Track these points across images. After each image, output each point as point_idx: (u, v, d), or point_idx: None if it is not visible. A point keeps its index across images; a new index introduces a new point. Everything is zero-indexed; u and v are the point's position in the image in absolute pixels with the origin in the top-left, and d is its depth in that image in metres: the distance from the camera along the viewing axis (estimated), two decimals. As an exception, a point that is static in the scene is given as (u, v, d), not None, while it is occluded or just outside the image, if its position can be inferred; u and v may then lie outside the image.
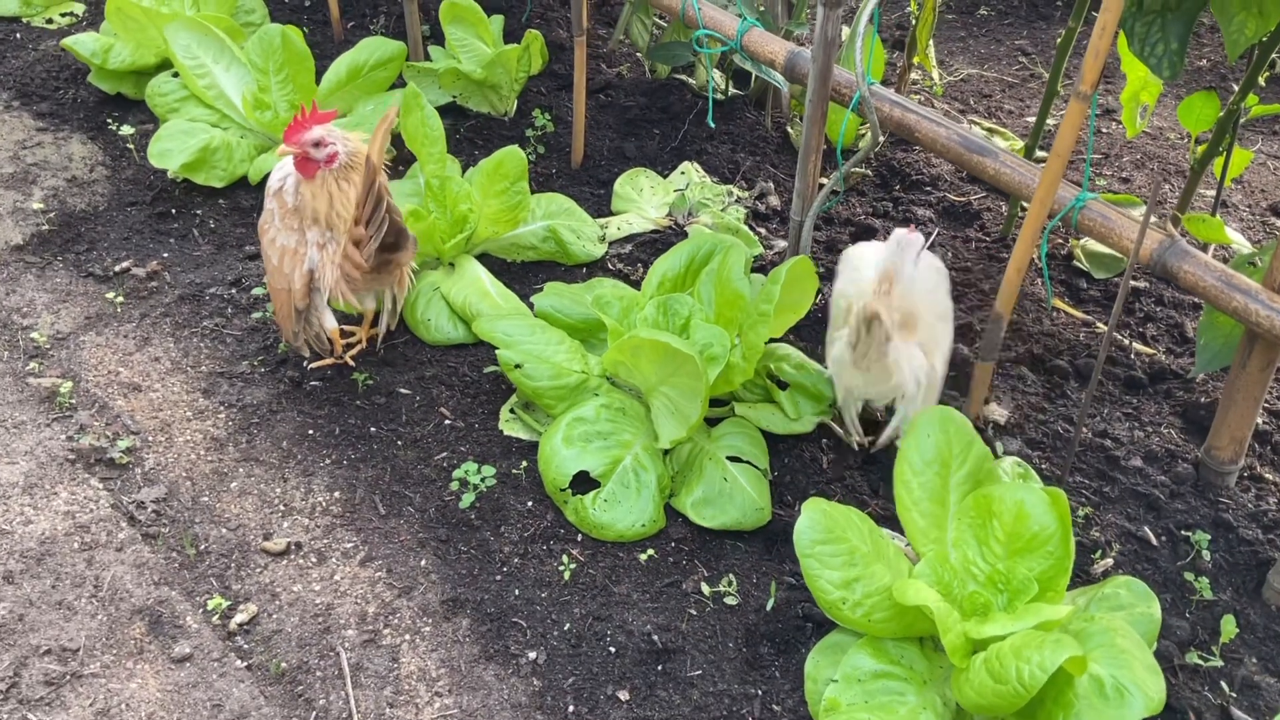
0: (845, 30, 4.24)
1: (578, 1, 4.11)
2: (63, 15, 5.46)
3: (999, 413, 3.35)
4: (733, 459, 3.09)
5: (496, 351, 3.20)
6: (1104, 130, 5.21)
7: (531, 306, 3.61)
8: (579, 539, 3.03)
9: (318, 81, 4.46)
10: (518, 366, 3.15)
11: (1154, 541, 3.04)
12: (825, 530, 2.55)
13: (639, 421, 3.16)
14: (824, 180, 4.40)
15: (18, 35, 5.27)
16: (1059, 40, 3.74)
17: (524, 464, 3.20)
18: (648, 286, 3.42)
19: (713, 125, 4.31)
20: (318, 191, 3.15)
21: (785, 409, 3.20)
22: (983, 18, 6.37)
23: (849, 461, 3.24)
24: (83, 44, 4.62)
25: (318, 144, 3.13)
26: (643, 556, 2.97)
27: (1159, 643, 2.69)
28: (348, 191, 3.16)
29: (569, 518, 3.05)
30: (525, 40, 4.52)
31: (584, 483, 3.07)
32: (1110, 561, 2.97)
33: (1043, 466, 3.21)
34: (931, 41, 4.45)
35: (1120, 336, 3.75)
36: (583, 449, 3.06)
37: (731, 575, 2.93)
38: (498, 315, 3.34)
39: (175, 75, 4.51)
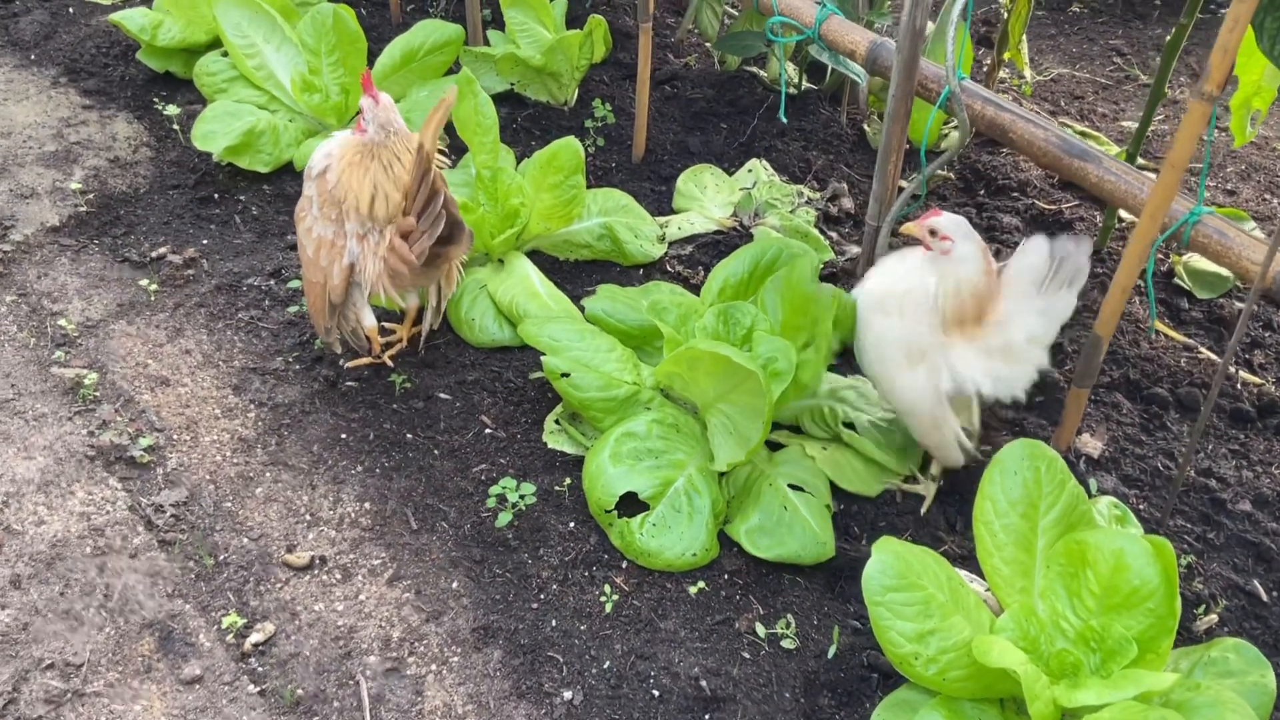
0: (930, 25, 3.94)
1: (644, -15, 3.85)
2: (117, -10, 5.32)
3: (1093, 445, 3.04)
4: (794, 487, 2.83)
5: (542, 358, 2.96)
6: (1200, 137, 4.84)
7: (583, 309, 3.37)
8: (624, 566, 2.78)
9: (370, 64, 4.26)
10: (564, 375, 2.91)
11: (1264, 597, 2.72)
12: (898, 575, 2.28)
13: (693, 440, 2.91)
14: (904, 183, 4.11)
15: (70, 10, 5.13)
16: (1169, 37, 3.41)
17: (567, 481, 2.96)
18: (707, 293, 3.17)
19: (784, 121, 4.04)
20: (360, 177, 2.93)
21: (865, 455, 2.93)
22: (1075, 15, 6.01)
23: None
24: (131, 19, 4.46)
25: (360, 112, 2.99)
26: (693, 589, 2.72)
27: (1272, 717, 2.38)
28: (394, 179, 2.93)
29: (614, 542, 2.80)
30: (588, 26, 4.28)
31: (631, 504, 2.82)
32: (1214, 618, 2.66)
33: (1140, 507, 2.90)
34: (1024, 36, 4.13)
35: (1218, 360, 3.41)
36: (631, 468, 2.81)
37: (790, 615, 2.67)
38: (545, 318, 3.10)
39: (225, 54, 4.34)
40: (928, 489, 2.91)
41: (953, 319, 2.67)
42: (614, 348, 3.01)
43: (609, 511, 2.79)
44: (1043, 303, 2.69)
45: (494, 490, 2.89)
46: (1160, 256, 3.82)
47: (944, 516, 2.92)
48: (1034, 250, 2.69)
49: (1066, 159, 2.90)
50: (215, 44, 4.57)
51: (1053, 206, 4.06)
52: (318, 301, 3.04)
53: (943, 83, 3.10)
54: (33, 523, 2.83)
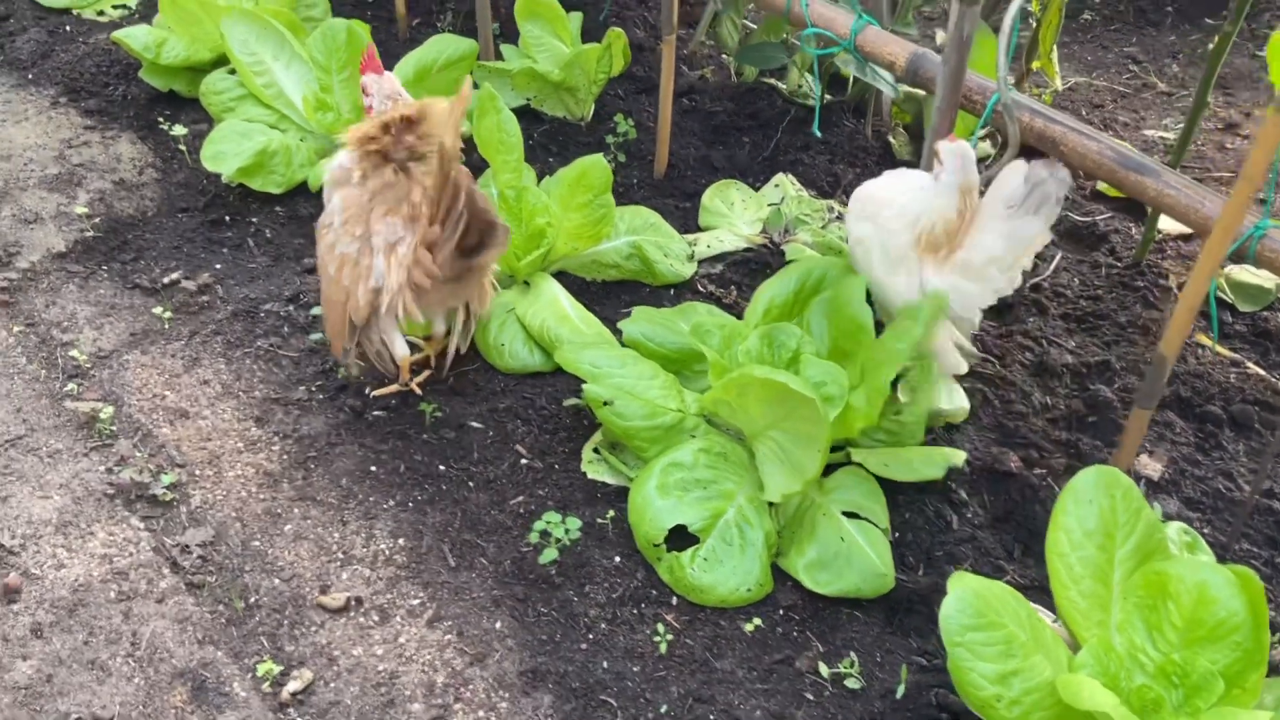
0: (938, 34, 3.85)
1: (668, 2, 3.75)
2: (115, 7, 5.19)
3: (1152, 467, 2.95)
4: (849, 514, 2.72)
5: (583, 385, 2.84)
6: (1229, 146, 4.77)
7: (616, 332, 3.26)
8: (674, 602, 2.67)
9: (383, 81, 4.13)
10: (607, 403, 2.79)
11: (1339, 623, 2.63)
12: (977, 614, 2.17)
13: (742, 469, 2.80)
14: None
15: (67, 28, 5.00)
16: (1212, 46, 3.32)
17: (611, 513, 2.84)
18: (752, 314, 3.06)
19: (818, 134, 3.94)
20: (376, 179, 2.82)
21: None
22: (1087, 23, 5.93)
23: (980, 519, 2.85)
24: (135, 37, 4.33)
25: (364, 91, 2.97)
26: (748, 626, 2.61)
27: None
28: (416, 180, 2.81)
29: (662, 577, 2.69)
30: (607, 39, 4.18)
31: (679, 537, 2.71)
32: (1290, 647, 2.56)
33: (1204, 531, 2.81)
34: (1055, 46, 4.05)
35: (1274, 378, 3.33)
36: (679, 499, 2.70)
37: (852, 653, 2.56)
38: (582, 344, 2.98)
39: (232, 72, 4.22)
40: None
41: (925, 245, 2.81)
42: (656, 373, 2.89)
43: (657, 545, 2.67)
44: (1007, 226, 2.76)
45: (537, 525, 2.77)
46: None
47: (1001, 543, 2.82)
48: (1009, 174, 2.76)
49: (1123, 172, 2.81)
50: (220, 62, 4.45)
51: (1086, 219, 3.97)
52: (337, 322, 2.92)
53: (988, 94, 3.01)
54: (52, 566, 2.70)
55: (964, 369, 2.98)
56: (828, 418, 2.49)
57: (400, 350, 3.00)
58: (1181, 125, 4.94)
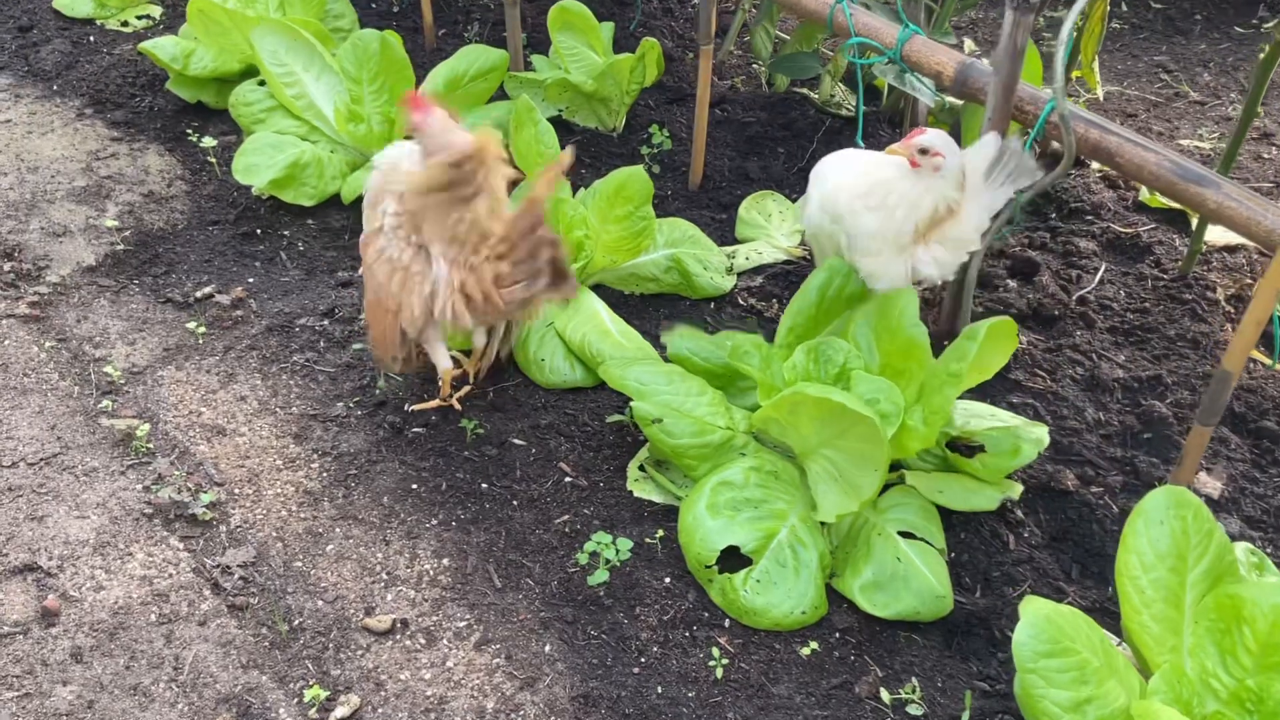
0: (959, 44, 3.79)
1: (705, 7, 3.71)
2: (139, 18, 5.15)
3: (1212, 485, 2.89)
4: (904, 534, 2.66)
5: (631, 403, 2.79)
6: (1265, 156, 4.72)
7: (657, 346, 3.21)
8: (726, 624, 2.61)
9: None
10: (655, 421, 2.73)
11: None
12: (1051, 640, 2.11)
13: (793, 487, 2.74)
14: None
15: (91, 39, 4.97)
16: (1261, 55, 3.26)
17: (660, 533, 2.78)
18: (780, 332, 2.99)
19: (860, 145, 3.89)
20: (430, 206, 2.76)
21: (974, 474, 2.74)
22: (1116, 31, 5.88)
23: (1036, 539, 2.79)
24: (162, 48, 4.29)
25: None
26: (804, 650, 2.55)
27: None
28: (471, 208, 2.76)
29: (714, 599, 2.63)
30: (640, 49, 4.13)
31: (730, 557, 2.65)
32: (1362, 671, 2.49)
33: (1266, 550, 2.74)
34: (1096, 55, 3.99)
35: (1328, 393, 3.27)
36: (730, 519, 2.64)
37: (913, 678, 2.49)
38: (627, 360, 2.93)
39: (261, 83, 4.17)
40: None
41: (929, 226, 2.87)
42: (704, 390, 2.84)
43: (709, 567, 2.61)
44: (987, 198, 2.88)
45: (587, 546, 2.71)
46: (1249, 280, 3.67)
47: (1059, 563, 2.76)
48: (986, 146, 2.87)
49: (1181, 184, 2.75)
50: (248, 73, 4.41)
51: (1129, 230, 3.91)
52: (389, 331, 2.85)
53: (1039, 104, 2.96)
54: (91, 588, 2.65)
55: None
56: (886, 437, 2.43)
57: (444, 364, 2.94)
58: (1217, 135, 4.90)
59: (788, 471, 2.76)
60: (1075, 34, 4.09)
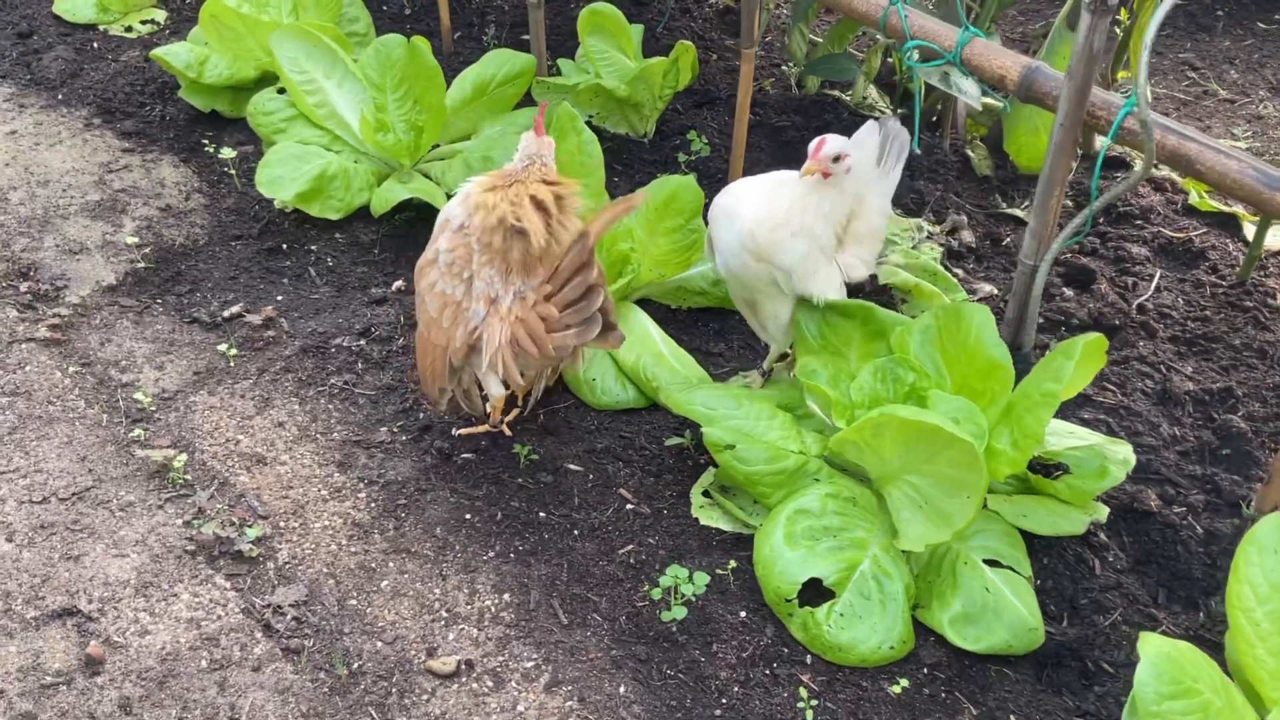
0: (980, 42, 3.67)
1: (749, 9, 3.58)
2: (143, 23, 4.99)
3: (1303, 505, 2.78)
4: (990, 562, 2.55)
5: (703, 430, 2.66)
6: (1305, 154, 4.63)
7: (709, 360, 3.09)
8: (808, 661, 2.49)
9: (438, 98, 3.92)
10: (729, 448, 2.61)
11: None
12: (1173, 680, 2.00)
13: (872, 514, 2.62)
14: (1018, 211, 3.87)
15: (95, 45, 4.80)
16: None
17: (731, 563, 2.66)
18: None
19: (918, 151, 3.77)
20: (495, 231, 2.64)
21: (1058, 497, 2.63)
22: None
23: (1121, 563, 2.68)
24: (175, 55, 4.14)
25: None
26: (894, 688, 2.43)
27: None
28: (521, 211, 2.65)
29: (795, 634, 2.51)
30: (674, 53, 4.00)
31: (808, 588, 2.53)
32: None
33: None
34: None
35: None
36: (809, 550, 2.52)
37: (1010, 717, 2.38)
38: (690, 384, 2.80)
39: (280, 91, 4.02)
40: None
41: (848, 223, 2.87)
42: (774, 414, 2.72)
43: (789, 601, 2.49)
44: (884, 183, 2.92)
45: (663, 581, 2.58)
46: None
47: (1145, 588, 2.65)
48: (868, 136, 2.86)
49: (1268, 193, 2.64)
50: (264, 80, 4.26)
51: (1180, 234, 3.81)
52: (436, 364, 2.72)
53: (1111, 110, 2.85)
54: (135, 633, 2.50)
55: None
56: (984, 462, 2.32)
57: (495, 390, 2.81)
58: (1250, 134, 4.81)
59: (865, 498, 2.65)
60: (1122, 34, 3.99)
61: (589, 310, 2.57)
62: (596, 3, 3.98)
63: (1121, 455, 2.65)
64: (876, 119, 2.89)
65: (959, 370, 2.69)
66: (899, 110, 4.28)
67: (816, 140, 2.70)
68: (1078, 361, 2.41)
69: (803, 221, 2.74)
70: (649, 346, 3.09)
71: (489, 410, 2.92)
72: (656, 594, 2.58)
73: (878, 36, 4.54)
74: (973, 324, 2.67)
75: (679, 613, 2.52)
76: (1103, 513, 2.67)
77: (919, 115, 3.25)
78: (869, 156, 2.86)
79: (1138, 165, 4.15)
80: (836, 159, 2.71)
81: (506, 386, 2.90)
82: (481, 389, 2.83)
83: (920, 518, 2.51)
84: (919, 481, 2.50)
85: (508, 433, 2.99)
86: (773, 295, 2.87)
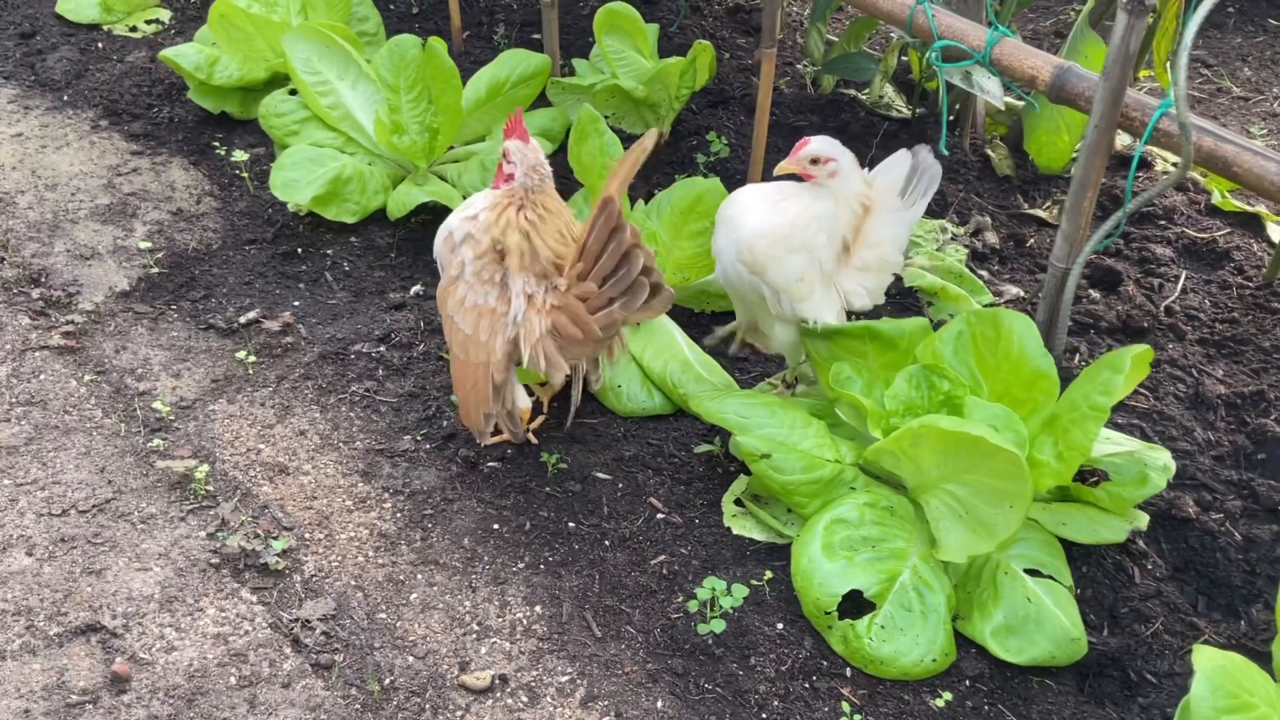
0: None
1: (771, 8, 3.53)
2: (148, 23, 4.92)
3: (1343, 511, 2.75)
4: (1030, 572, 2.51)
5: (735, 438, 2.62)
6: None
7: (731, 364, 3.05)
8: (848, 674, 2.45)
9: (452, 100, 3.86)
10: (764, 457, 2.57)
11: None
12: (1229, 694, 1.97)
13: (909, 524, 2.59)
14: (1041, 212, 3.83)
15: (99, 45, 4.73)
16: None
17: (767, 574, 2.62)
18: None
19: (945, 154, 3.73)
20: (509, 228, 2.60)
21: (1098, 504, 2.59)
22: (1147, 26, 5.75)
23: (1160, 570, 2.65)
24: (185, 57, 4.07)
25: (505, 156, 2.65)
26: (937, 702, 2.39)
27: None
28: (547, 231, 2.60)
29: (834, 647, 2.47)
30: (692, 53, 3.95)
31: (845, 599, 2.48)
32: None
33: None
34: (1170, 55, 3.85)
35: None
36: (848, 561, 2.48)
37: (1057, 729, 2.35)
38: (721, 393, 2.76)
39: (292, 93, 3.96)
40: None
41: (855, 236, 2.80)
42: (808, 422, 2.67)
43: (828, 613, 2.45)
44: (902, 214, 2.81)
45: (700, 594, 2.53)
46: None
47: (1185, 596, 2.61)
48: (898, 164, 2.80)
49: (1310, 196, 2.61)
50: (274, 81, 4.20)
51: (1204, 235, 3.78)
52: (479, 386, 2.65)
53: (1145, 111, 2.81)
54: (161, 649, 2.45)
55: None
56: (1029, 473, 2.27)
57: (523, 402, 2.76)
58: (1266, 132, 4.78)
59: (903, 507, 2.61)
60: (1147, 32, 3.95)
61: (630, 276, 2.48)
62: (613, 2, 3.93)
63: (1161, 462, 2.61)
64: (910, 148, 2.83)
65: (999, 378, 2.65)
66: (917, 110, 4.23)
67: (801, 140, 2.68)
68: (1126, 375, 2.37)
69: (804, 237, 2.70)
70: (675, 353, 3.05)
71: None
72: (693, 606, 2.53)
73: (891, 35, 4.50)
74: (1014, 332, 2.63)
75: (717, 626, 2.48)
76: (1143, 520, 2.63)
77: (945, 117, 3.20)
78: (892, 183, 2.80)
79: (1159, 166, 4.13)
80: (815, 161, 2.67)
81: (530, 394, 2.84)
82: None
83: (960, 527, 2.47)
84: (959, 491, 2.46)
85: (534, 441, 2.94)
86: (766, 312, 2.83)
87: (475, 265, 2.61)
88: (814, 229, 2.71)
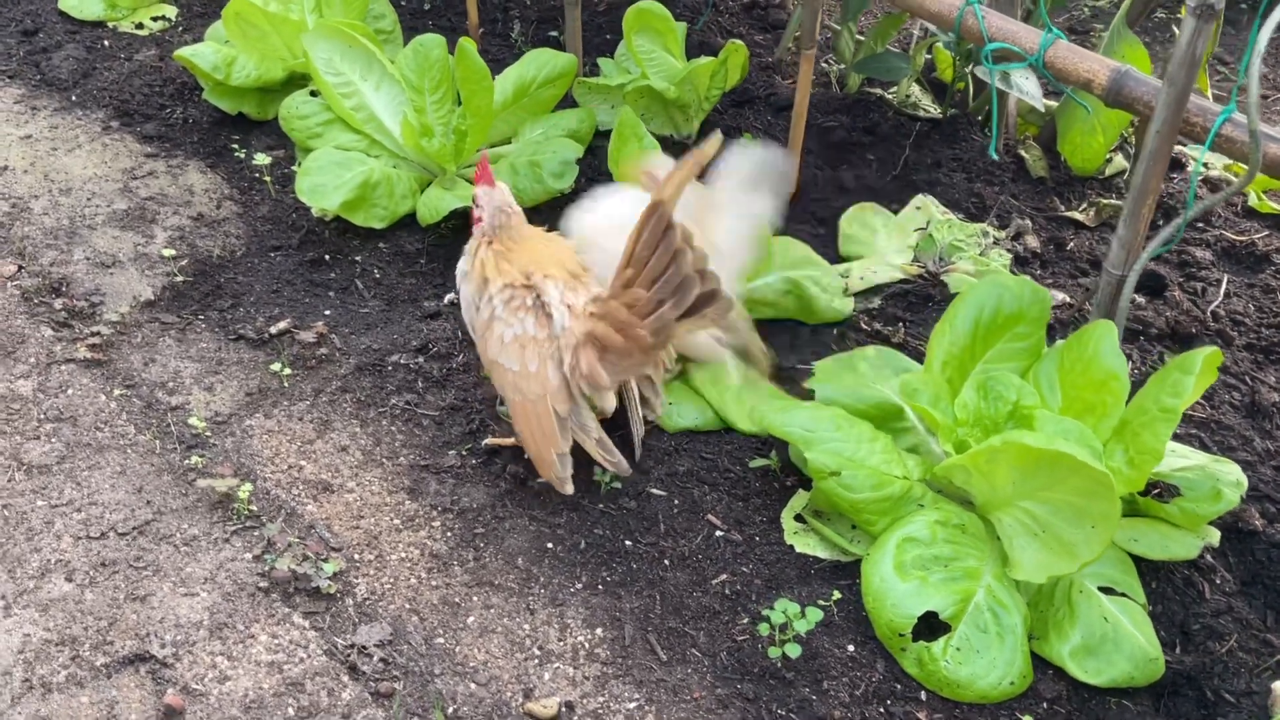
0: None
1: (811, 8, 3.47)
2: (154, 19, 4.80)
3: None
4: (1104, 590, 2.46)
5: (806, 455, 2.55)
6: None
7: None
8: (923, 697, 2.40)
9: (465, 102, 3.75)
10: (833, 474, 2.50)
11: None
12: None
13: (981, 542, 2.53)
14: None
15: (106, 43, 4.61)
16: None
17: (835, 594, 2.56)
18: (930, 366, 2.77)
19: (995, 156, 3.68)
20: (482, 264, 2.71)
21: (1169, 520, 2.55)
22: (1160, 22, 5.72)
23: (1229, 585, 2.61)
24: (202, 56, 3.96)
25: (475, 202, 2.76)
26: (1018, 725, 2.34)
27: None
28: (515, 251, 2.69)
29: (909, 669, 2.41)
30: (723, 53, 3.88)
31: (917, 620, 2.43)
32: None
33: None
34: (1209, 58, 3.81)
35: None
36: (922, 581, 2.42)
37: (1142, 753, 2.30)
38: (785, 406, 2.69)
39: (313, 93, 3.86)
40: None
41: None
42: (875, 436, 2.61)
43: (902, 635, 2.39)
44: (746, 207, 2.91)
45: (773, 618, 2.46)
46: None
47: (1254, 612, 2.58)
48: (738, 159, 2.89)
49: (1380, 204, 2.56)
50: (292, 81, 4.11)
51: (1243, 237, 3.75)
52: (543, 422, 2.57)
53: (1207, 116, 2.76)
54: (214, 679, 2.37)
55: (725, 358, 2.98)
56: (1117, 491, 2.22)
57: (595, 432, 2.68)
58: (1291, 130, 4.75)
59: (974, 524, 2.55)
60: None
61: (680, 274, 2.40)
62: (643, 1, 3.85)
63: (1234, 477, 2.57)
64: (744, 143, 2.93)
65: (1073, 383, 2.61)
66: (950, 110, 4.18)
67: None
68: (1197, 376, 2.32)
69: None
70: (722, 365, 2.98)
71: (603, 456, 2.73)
72: (763, 629, 2.47)
73: (915, 34, 4.44)
74: (1095, 334, 2.59)
75: (792, 650, 2.41)
76: (1214, 536, 2.59)
77: (996, 121, 3.14)
78: (737, 174, 2.89)
79: (1190, 166, 4.08)
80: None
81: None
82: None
83: (1036, 546, 2.42)
84: (1036, 509, 2.41)
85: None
86: None
87: (504, 295, 2.58)
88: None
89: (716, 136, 2.51)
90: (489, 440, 2.88)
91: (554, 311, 2.59)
